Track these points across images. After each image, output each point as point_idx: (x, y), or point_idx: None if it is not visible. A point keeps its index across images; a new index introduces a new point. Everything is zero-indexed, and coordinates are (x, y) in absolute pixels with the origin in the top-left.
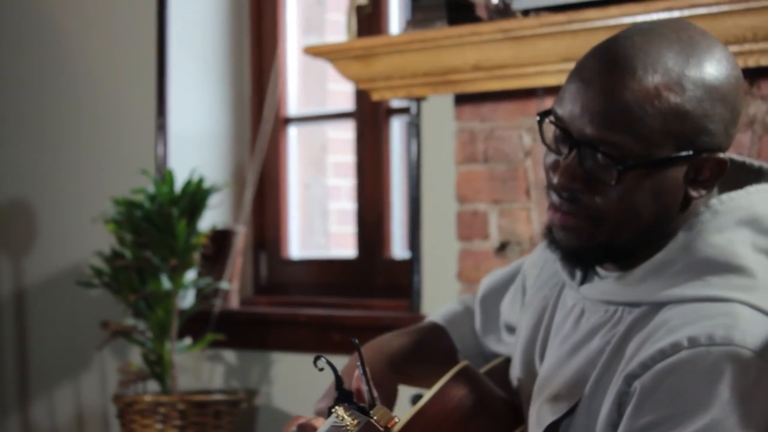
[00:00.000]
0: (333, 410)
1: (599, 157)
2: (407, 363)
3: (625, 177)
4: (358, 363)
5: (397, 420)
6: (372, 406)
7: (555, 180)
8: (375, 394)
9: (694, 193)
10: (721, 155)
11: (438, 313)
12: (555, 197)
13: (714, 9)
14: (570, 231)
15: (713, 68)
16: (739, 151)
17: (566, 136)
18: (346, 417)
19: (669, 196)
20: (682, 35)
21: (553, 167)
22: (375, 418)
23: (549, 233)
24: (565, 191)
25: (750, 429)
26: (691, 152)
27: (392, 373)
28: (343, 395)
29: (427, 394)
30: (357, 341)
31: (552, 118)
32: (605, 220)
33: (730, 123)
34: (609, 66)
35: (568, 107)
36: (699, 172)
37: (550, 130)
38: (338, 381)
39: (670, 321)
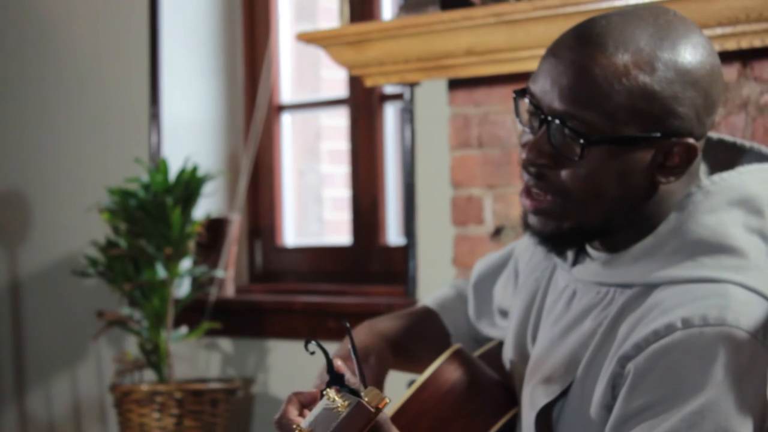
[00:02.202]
0: (324, 393)
1: (566, 132)
2: (399, 343)
3: (589, 152)
4: (349, 345)
5: (388, 401)
6: (363, 387)
7: (523, 155)
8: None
9: (662, 179)
10: (691, 141)
11: (431, 298)
12: (525, 175)
13: None
14: (540, 215)
15: (687, 52)
16: (732, 132)
17: (537, 111)
18: (337, 399)
19: (634, 179)
20: (660, 19)
21: (524, 144)
22: (366, 399)
23: (525, 218)
24: (533, 166)
25: (744, 409)
26: (658, 134)
27: (385, 344)
28: (334, 378)
29: (421, 377)
30: (348, 324)
31: (527, 95)
32: (570, 198)
33: (702, 109)
34: (581, 42)
35: (540, 83)
36: (668, 156)
37: (525, 108)
38: (329, 364)
39: (663, 302)
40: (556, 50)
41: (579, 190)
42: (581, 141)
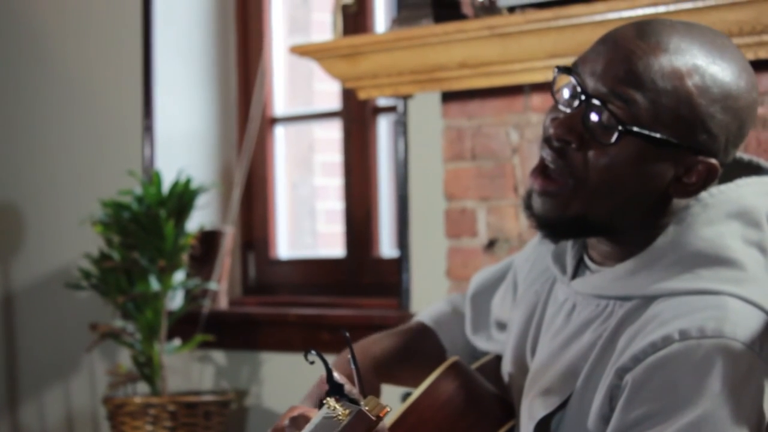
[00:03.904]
0: (324, 402)
1: (605, 115)
2: (393, 365)
3: (621, 141)
4: (349, 356)
5: (389, 409)
6: (362, 397)
7: (551, 130)
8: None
9: (676, 195)
10: (714, 162)
11: (426, 314)
12: (545, 151)
13: (699, 3)
14: (547, 197)
15: (735, 78)
16: None
17: (580, 89)
18: (337, 407)
19: (651, 186)
20: (718, 41)
21: (554, 121)
22: (366, 408)
23: (527, 199)
24: (558, 141)
25: (741, 421)
26: (687, 145)
27: (375, 376)
28: (333, 387)
29: (418, 389)
30: (348, 334)
31: (573, 74)
32: (584, 185)
33: (733, 137)
34: (645, 36)
35: (590, 64)
36: (688, 173)
37: (563, 85)
38: (329, 373)
39: (661, 314)
40: (615, 37)
41: (596, 177)
42: (620, 127)
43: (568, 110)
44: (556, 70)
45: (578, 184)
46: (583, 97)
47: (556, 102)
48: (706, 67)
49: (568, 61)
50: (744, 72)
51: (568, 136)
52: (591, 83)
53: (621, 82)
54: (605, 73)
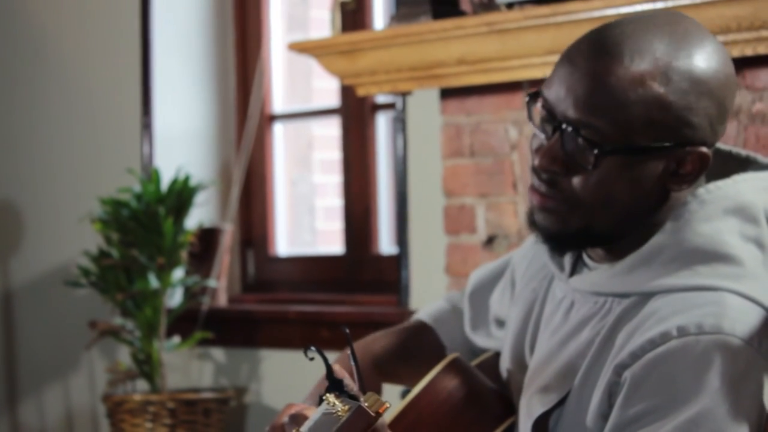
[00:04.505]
0: (324, 398)
1: (579, 141)
2: (393, 363)
3: (602, 162)
4: (349, 352)
5: (388, 405)
6: (362, 393)
7: (536, 162)
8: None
9: (674, 187)
10: (704, 150)
11: (425, 312)
12: (535, 179)
13: None
14: (548, 213)
15: (703, 61)
16: (724, 140)
17: (551, 117)
18: (337, 403)
19: (646, 188)
20: (676, 27)
21: (538, 149)
22: (366, 404)
23: (531, 215)
24: (545, 173)
25: (740, 417)
26: (671, 144)
27: (376, 374)
28: (333, 383)
29: (417, 386)
30: (348, 330)
31: (540, 99)
32: (581, 204)
33: (716, 118)
34: (597, 51)
35: (554, 89)
36: (681, 165)
37: (537, 111)
38: (328, 370)
39: (659, 311)
40: (571, 57)
41: (590, 198)
42: (595, 150)
43: (544, 136)
44: (527, 97)
45: (572, 205)
46: (556, 125)
47: (535, 128)
48: (669, 61)
49: None
50: (710, 50)
51: (553, 166)
52: (560, 109)
53: (585, 106)
54: (569, 99)
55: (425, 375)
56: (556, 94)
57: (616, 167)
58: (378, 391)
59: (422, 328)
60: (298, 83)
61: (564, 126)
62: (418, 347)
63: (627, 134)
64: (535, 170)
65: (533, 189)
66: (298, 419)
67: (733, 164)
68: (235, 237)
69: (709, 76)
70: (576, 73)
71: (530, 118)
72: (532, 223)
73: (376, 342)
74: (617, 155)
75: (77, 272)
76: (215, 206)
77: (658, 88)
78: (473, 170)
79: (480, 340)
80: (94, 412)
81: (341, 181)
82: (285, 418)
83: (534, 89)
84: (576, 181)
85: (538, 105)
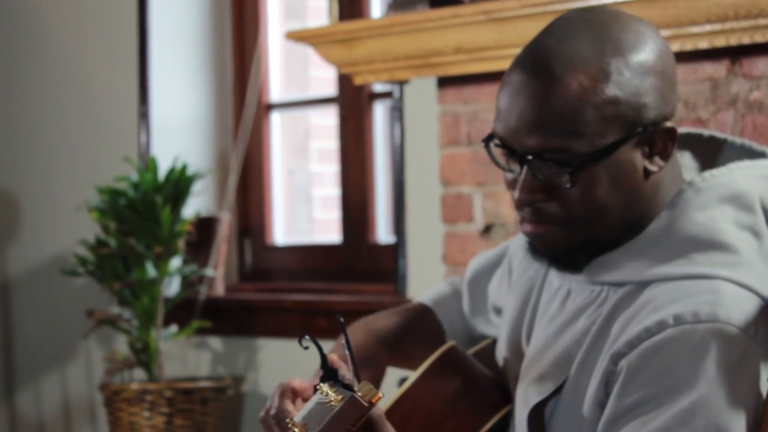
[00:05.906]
0: (318, 387)
1: (548, 165)
2: (394, 341)
3: (578, 176)
4: (343, 341)
5: (381, 395)
6: (357, 382)
7: (515, 196)
8: (358, 372)
9: (653, 167)
10: (668, 124)
11: (426, 295)
12: (522, 213)
13: None
14: (544, 238)
15: (631, 45)
16: (721, 129)
17: (512, 152)
18: (330, 393)
19: (629, 179)
20: (592, 22)
21: (512, 184)
22: (359, 393)
23: (531, 246)
24: (527, 206)
25: (737, 405)
26: (635, 131)
27: (381, 347)
28: (327, 373)
29: (414, 374)
30: (342, 319)
31: (495, 140)
32: (575, 220)
33: (665, 89)
34: (531, 75)
35: (504, 123)
36: (652, 145)
37: (499, 151)
38: (323, 359)
39: (655, 299)
40: (510, 88)
41: (581, 212)
42: (567, 169)
43: (513, 174)
44: (483, 143)
45: (567, 223)
46: (519, 158)
47: (501, 168)
48: (599, 61)
49: None
50: (631, 32)
51: (533, 197)
52: (517, 141)
53: (539, 132)
54: (521, 129)
55: (424, 356)
56: (507, 127)
57: (594, 175)
58: (382, 366)
59: (422, 309)
60: (295, 72)
61: (528, 157)
62: (418, 327)
63: (590, 141)
64: (519, 206)
65: (524, 221)
66: (286, 393)
67: (728, 152)
68: (232, 226)
69: (643, 56)
70: (519, 102)
71: (494, 161)
72: (535, 252)
73: (377, 320)
74: (590, 164)
75: (74, 261)
76: (212, 195)
77: (600, 88)
78: (470, 159)
79: (480, 326)
80: (92, 401)
81: (338, 170)
82: (276, 399)
83: (487, 135)
84: (561, 201)
85: (495, 145)
